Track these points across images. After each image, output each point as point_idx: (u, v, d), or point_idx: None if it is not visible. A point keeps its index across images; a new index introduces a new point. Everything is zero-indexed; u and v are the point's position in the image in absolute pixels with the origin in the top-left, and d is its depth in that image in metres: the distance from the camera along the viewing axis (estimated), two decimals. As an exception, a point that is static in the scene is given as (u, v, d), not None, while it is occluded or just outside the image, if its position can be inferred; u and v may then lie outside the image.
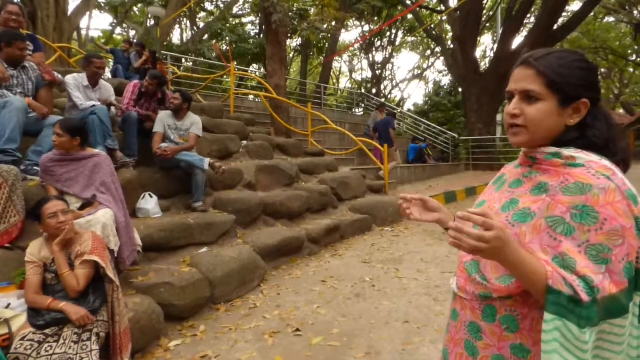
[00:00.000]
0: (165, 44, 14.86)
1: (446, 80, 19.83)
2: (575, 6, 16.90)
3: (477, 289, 0.91)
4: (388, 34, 20.61)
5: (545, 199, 0.83)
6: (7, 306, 2.18)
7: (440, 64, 24.58)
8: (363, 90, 21.05)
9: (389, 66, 23.63)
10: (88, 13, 15.67)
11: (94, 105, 3.76)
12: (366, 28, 20.23)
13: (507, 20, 12.53)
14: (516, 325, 0.86)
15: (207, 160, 4.19)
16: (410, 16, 17.68)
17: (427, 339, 2.65)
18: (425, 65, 26.29)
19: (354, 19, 18.09)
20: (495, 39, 17.75)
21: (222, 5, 19.21)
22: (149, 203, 3.86)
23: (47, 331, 2.03)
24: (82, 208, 2.72)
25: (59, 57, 8.22)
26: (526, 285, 0.80)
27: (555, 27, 11.64)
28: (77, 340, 2.04)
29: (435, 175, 10.80)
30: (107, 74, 8.83)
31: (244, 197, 4.62)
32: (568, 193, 0.80)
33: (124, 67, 7.83)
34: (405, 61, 56.49)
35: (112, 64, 8.45)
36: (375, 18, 18.54)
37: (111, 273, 2.26)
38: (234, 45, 15.60)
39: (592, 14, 14.21)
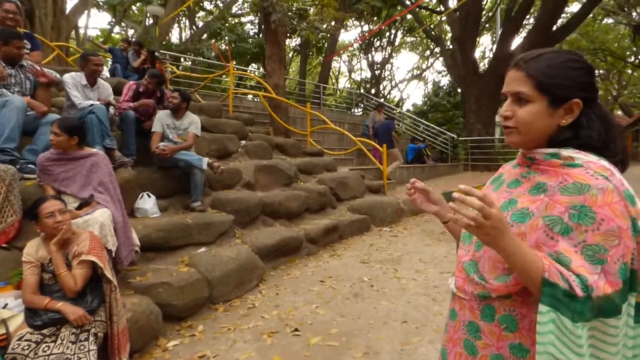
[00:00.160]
0: (164, 43, 14.85)
1: (445, 80, 19.85)
2: (574, 7, 16.93)
3: (475, 288, 0.91)
4: (387, 34, 20.62)
5: (544, 199, 0.84)
6: (4, 306, 2.17)
7: (439, 64, 24.62)
8: (362, 91, 21.05)
9: (388, 66, 23.64)
10: (86, 11, 15.65)
11: (92, 105, 3.75)
12: (365, 28, 20.23)
13: (506, 21, 12.55)
14: (515, 324, 0.86)
15: (206, 160, 4.18)
16: (409, 16, 17.70)
17: (425, 339, 2.65)
18: (424, 66, 26.34)
19: (353, 18, 18.09)
20: (494, 39, 17.79)
21: (221, 5, 19.20)
22: (147, 203, 3.85)
23: (44, 331, 2.02)
24: (79, 208, 2.71)
25: (56, 55, 8.20)
26: (522, 276, 0.80)
27: (554, 28, 11.67)
28: (74, 341, 2.03)
29: (434, 176, 10.81)
30: (106, 73, 8.80)
31: (242, 197, 4.62)
32: (566, 193, 0.80)
33: (123, 66, 7.80)
34: (405, 61, 56.59)
35: (110, 63, 8.43)
36: (375, 18, 18.54)
37: (109, 273, 2.25)
38: (233, 45, 15.59)
39: (591, 15, 14.24)
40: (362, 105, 18.00)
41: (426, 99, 17.67)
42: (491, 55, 15.73)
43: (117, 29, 21.52)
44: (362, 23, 19.85)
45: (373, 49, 21.07)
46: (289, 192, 5.31)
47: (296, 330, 2.81)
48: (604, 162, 0.83)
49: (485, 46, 24.20)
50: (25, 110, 3.20)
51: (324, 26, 11.92)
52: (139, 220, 3.63)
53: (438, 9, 17.16)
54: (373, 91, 20.99)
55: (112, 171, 2.97)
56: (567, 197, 0.80)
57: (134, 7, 19.83)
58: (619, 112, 23.44)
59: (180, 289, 2.98)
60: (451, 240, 1.21)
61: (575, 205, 0.78)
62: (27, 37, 3.94)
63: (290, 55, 21.45)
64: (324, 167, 7.02)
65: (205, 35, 17.09)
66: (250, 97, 12.28)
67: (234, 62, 10.08)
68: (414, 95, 34.67)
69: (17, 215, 2.68)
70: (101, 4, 18.37)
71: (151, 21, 16.43)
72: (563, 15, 13.70)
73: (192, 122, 4.41)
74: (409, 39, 23.48)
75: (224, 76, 11.39)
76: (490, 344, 0.89)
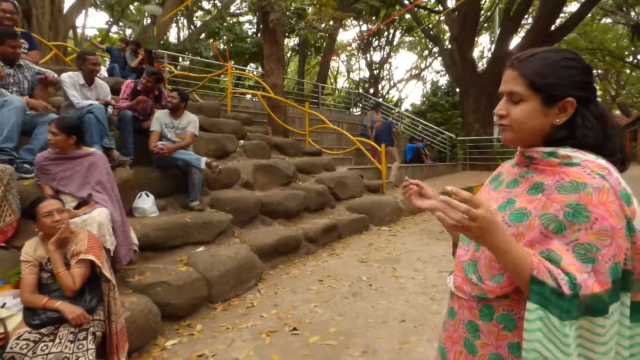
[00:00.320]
0: (162, 42, 14.82)
1: (444, 80, 19.86)
2: (572, 7, 16.97)
3: (473, 289, 0.91)
4: (386, 33, 20.62)
5: (541, 198, 0.84)
6: (3, 305, 2.17)
7: (437, 64, 24.62)
8: (361, 90, 21.05)
9: (386, 66, 23.66)
10: (84, 11, 15.60)
11: (91, 104, 3.74)
12: (364, 27, 20.23)
13: (505, 21, 12.57)
14: (514, 324, 0.86)
15: (204, 160, 4.18)
16: (408, 16, 17.71)
17: (423, 337, 2.65)
18: (422, 65, 26.37)
19: (351, 18, 18.10)
20: (492, 39, 17.82)
21: (219, 4, 19.17)
22: (146, 202, 3.84)
23: (42, 330, 2.02)
24: (77, 207, 2.71)
25: (54, 55, 8.18)
26: (513, 274, 0.80)
27: (553, 27, 11.69)
28: (73, 340, 2.03)
29: (433, 175, 10.83)
30: (104, 72, 8.78)
31: (241, 196, 4.62)
32: (563, 191, 0.80)
33: (120, 66, 7.78)
34: (403, 61, 56.62)
35: (108, 62, 8.40)
36: (373, 17, 18.54)
37: (107, 272, 2.25)
38: (231, 44, 15.56)
39: (589, 15, 14.27)
40: (360, 105, 18.01)
41: (425, 99, 17.66)
42: (490, 55, 15.75)
43: (114, 28, 21.51)
44: (361, 22, 19.87)
45: (371, 48, 21.08)
46: (287, 191, 5.31)
47: (295, 329, 2.81)
48: (602, 161, 0.82)
49: (483, 46, 24.28)
50: (25, 110, 3.20)
51: (323, 26, 11.90)
52: (137, 219, 3.63)
53: (436, 9, 17.20)
54: (372, 91, 20.99)
55: (110, 170, 2.97)
56: (563, 195, 0.80)
57: (131, 7, 19.80)
58: (617, 112, 23.49)
59: (179, 288, 2.98)
60: (450, 239, 1.21)
61: (570, 204, 0.78)
62: (24, 37, 3.93)
63: (288, 54, 21.44)
64: (322, 167, 7.02)
65: (203, 35, 17.06)
66: (248, 96, 12.27)
67: (232, 62, 10.06)
68: (412, 95, 34.80)
69: (15, 214, 2.67)
70: (99, 3, 18.33)
71: (149, 21, 16.38)
72: (562, 15, 13.73)
73: (190, 121, 4.42)
74: (407, 39, 23.49)
75: (222, 76, 11.38)
76: (489, 343, 0.89)
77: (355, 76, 25.60)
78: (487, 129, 12.68)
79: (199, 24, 19.17)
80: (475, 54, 16.75)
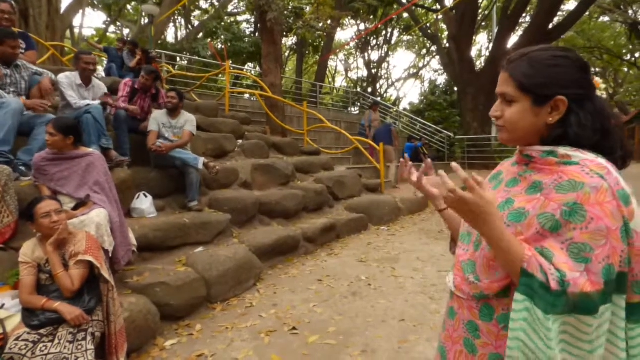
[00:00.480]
0: (159, 42, 14.78)
1: (442, 79, 19.94)
2: (570, 5, 16.99)
3: (471, 289, 0.91)
4: (384, 32, 20.64)
5: (540, 198, 0.83)
6: (2, 306, 2.16)
7: (436, 63, 24.67)
8: (359, 89, 21.06)
9: (384, 65, 23.68)
10: (81, 11, 15.56)
11: (88, 104, 3.73)
12: (362, 27, 20.22)
13: (503, 20, 12.59)
14: None
15: (202, 160, 4.18)
16: (406, 15, 17.72)
17: (423, 337, 2.66)
18: (421, 64, 26.39)
19: (349, 17, 18.08)
20: (490, 38, 17.84)
21: (217, 4, 19.12)
22: (144, 203, 3.84)
23: (41, 331, 2.02)
24: (75, 208, 2.70)
25: (51, 55, 8.15)
26: (506, 265, 0.82)
27: (551, 26, 11.72)
28: (72, 340, 2.03)
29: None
30: (101, 72, 8.76)
31: (239, 196, 4.61)
32: (561, 191, 0.80)
33: (118, 66, 7.76)
34: (401, 60, 56.70)
35: (105, 62, 8.38)
36: (371, 17, 18.53)
37: (106, 273, 2.24)
38: (229, 44, 15.53)
39: (587, 13, 14.30)
40: (358, 104, 18.01)
41: (423, 98, 17.66)
42: (488, 54, 15.77)
43: (112, 28, 21.44)
44: (359, 22, 19.86)
45: (369, 47, 21.09)
46: (286, 191, 5.31)
47: (294, 329, 2.81)
48: (601, 160, 0.82)
49: (481, 45, 24.41)
50: (22, 112, 3.18)
51: (320, 25, 11.91)
52: (135, 220, 3.62)
53: (434, 8, 17.20)
54: (370, 90, 21.00)
55: (108, 171, 2.96)
56: (561, 194, 0.80)
57: (129, 7, 19.73)
58: (615, 110, 23.51)
59: (178, 289, 2.98)
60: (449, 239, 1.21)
61: (568, 203, 0.78)
62: (21, 37, 3.91)
63: (286, 54, 21.42)
64: (321, 166, 7.02)
65: (201, 35, 17.03)
66: (246, 96, 12.25)
67: (230, 61, 10.06)
68: (410, 94, 34.56)
69: (13, 215, 2.66)
70: (96, 3, 18.26)
71: (146, 20, 16.35)
72: (559, 13, 13.75)
73: (188, 120, 4.42)
74: (405, 38, 23.50)
75: (220, 75, 11.35)
76: (489, 343, 0.89)
77: (353, 75, 25.63)
78: (485, 127, 12.70)
79: (196, 23, 19.12)
80: (473, 52, 16.73)
